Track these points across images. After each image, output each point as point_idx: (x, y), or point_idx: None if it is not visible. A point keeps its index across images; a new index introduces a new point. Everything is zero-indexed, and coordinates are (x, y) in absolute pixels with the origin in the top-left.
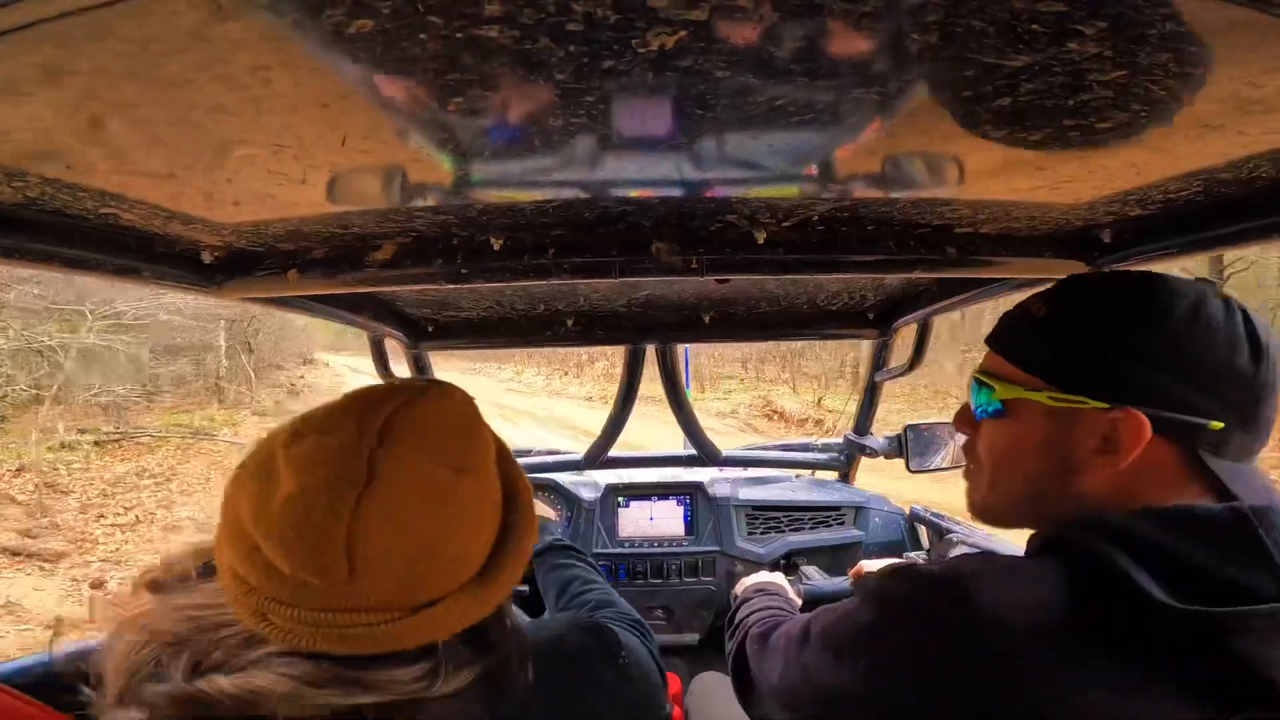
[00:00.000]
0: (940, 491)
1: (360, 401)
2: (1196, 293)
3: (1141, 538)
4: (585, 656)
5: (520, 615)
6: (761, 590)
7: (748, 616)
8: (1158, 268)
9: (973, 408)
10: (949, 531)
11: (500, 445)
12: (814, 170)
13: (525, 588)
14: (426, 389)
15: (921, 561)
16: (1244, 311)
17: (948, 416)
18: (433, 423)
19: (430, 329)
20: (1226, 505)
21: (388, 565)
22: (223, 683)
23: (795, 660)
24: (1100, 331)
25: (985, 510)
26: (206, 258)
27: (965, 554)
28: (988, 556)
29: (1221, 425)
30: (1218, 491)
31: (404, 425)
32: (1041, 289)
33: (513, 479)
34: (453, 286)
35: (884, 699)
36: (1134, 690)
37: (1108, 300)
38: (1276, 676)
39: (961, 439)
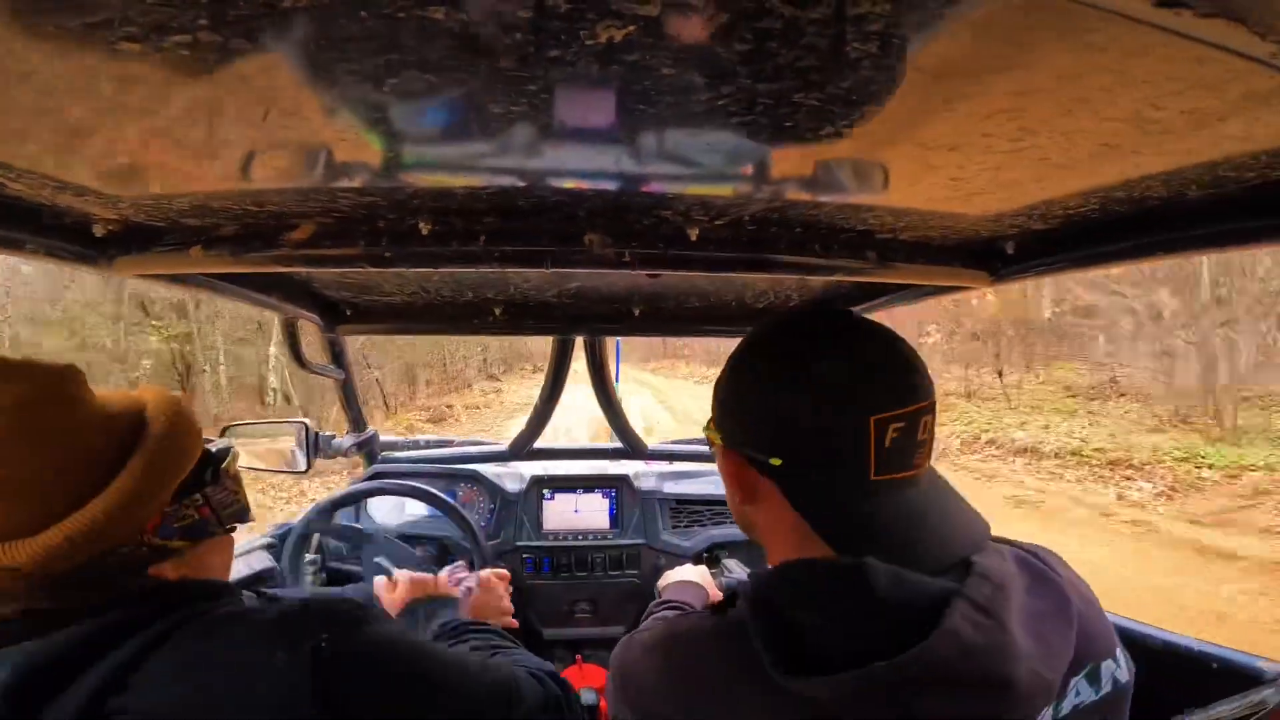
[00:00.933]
0: None
1: None
2: (783, 339)
3: (761, 595)
4: (267, 632)
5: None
6: (665, 603)
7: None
8: (1056, 280)
9: None
10: None
11: (136, 436)
12: (748, 170)
13: None
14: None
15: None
16: (803, 352)
17: None
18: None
19: (349, 312)
20: (823, 560)
21: None
22: None
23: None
24: (730, 371)
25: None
26: (98, 231)
27: (671, 617)
28: (690, 621)
29: (780, 461)
30: (815, 528)
31: None
32: None
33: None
34: (376, 270)
35: None
36: None
37: (750, 342)
38: None
39: None
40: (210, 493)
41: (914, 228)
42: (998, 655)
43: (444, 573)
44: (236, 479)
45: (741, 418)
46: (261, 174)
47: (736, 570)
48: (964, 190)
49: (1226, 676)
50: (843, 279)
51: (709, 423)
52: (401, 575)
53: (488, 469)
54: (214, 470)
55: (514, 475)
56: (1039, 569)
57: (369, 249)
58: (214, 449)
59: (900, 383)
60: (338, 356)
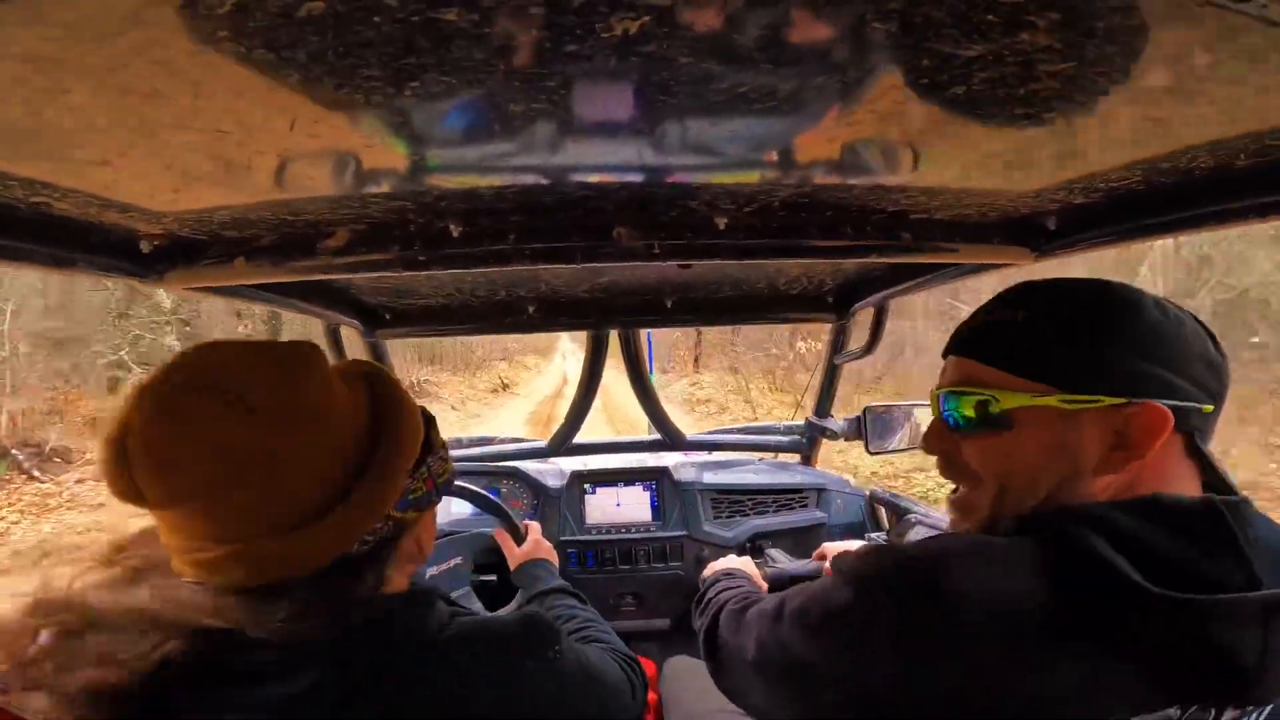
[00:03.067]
0: None
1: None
2: (1147, 293)
3: (1117, 525)
4: (510, 641)
5: (477, 605)
6: (729, 574)
7: (719, 594)
8: (1096, 255)
9: (950, 421)
10: (908, 512)
11: (379, 394)
12: (774, 157)
13: (493, 577)
14: (233, 340)
15: (895, 541)
16: (1180, 307)
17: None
18: (214, 364)
19: (387, 316)
20: (1201, 497)
21: (174, 494)
22: (98, 595)
23: (770, 634)
24: (1094, 329)
25: (989, 530)
26: (145, 247)
27: (941, 534)
28: (964, 538)
29: (1210, 408)
30: (1207, 476)
31: (181, 367)
32: (998, 295)
33: (383, 434)
34: (410, 273)
35: (857, 677)
36: (1107, 672)
37: (1085, 301)
38: (1246, 663)
39: (920, 418)
40: (431, 462)
41: (949, 206)
42: None
43: (533, 530)
44: (445, 445)
45: (1174, 364)
46: (293, 184)
47: (781, 560)
48: (1000, 166)
49: None
50: (877, 260)
51: (1049, 396)
52: (533, 529)
53: (528, 466)
54: (430, 437)
55: (554, 471)
56: None
57: (402, 253)
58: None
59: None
60: (379, 360)
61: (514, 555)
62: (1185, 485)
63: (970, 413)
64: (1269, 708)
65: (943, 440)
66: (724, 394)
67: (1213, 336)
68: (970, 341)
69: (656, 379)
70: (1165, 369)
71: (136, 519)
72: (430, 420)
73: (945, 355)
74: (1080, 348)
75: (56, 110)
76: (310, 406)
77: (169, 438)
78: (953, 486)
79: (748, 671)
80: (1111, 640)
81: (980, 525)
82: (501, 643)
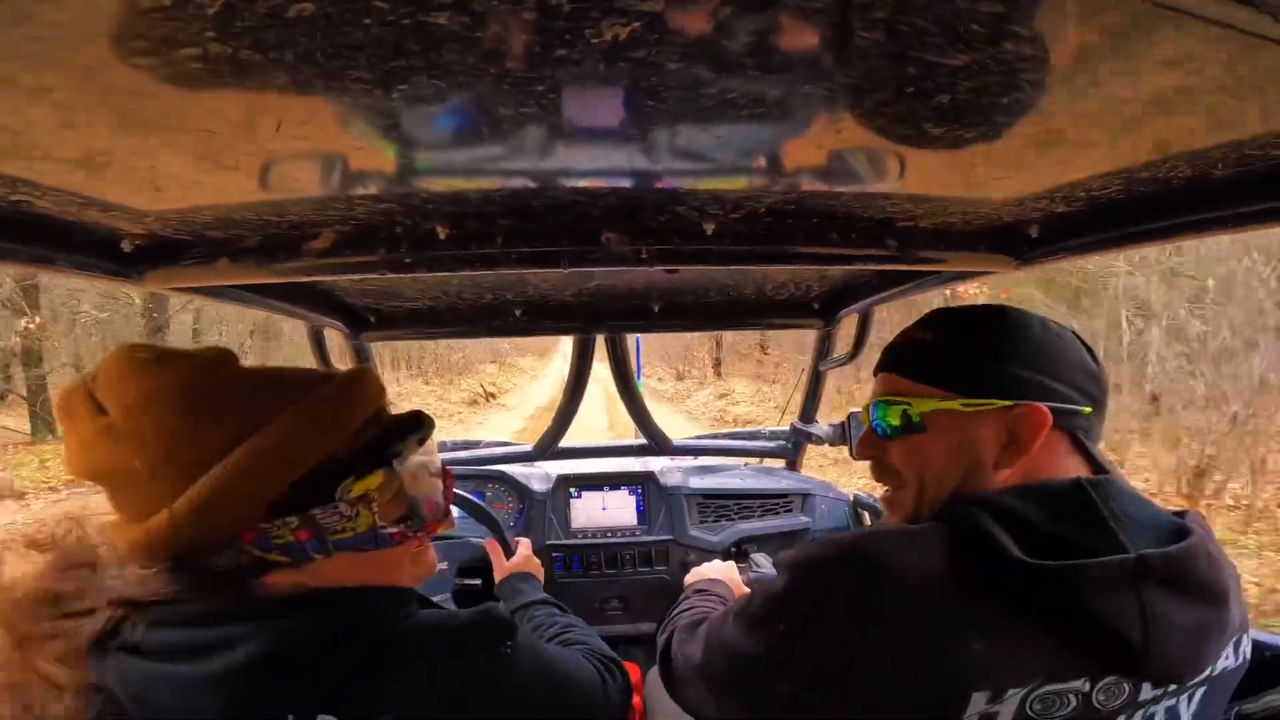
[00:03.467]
0: None
1: None
2: (1034, 315)
3: (1003, 507)
4: (460, 634)
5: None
6: (701, 590)
7: (680, 613)
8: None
9: (878, 429)
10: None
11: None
12: (762, 163)
13: (477, 581)
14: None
15: None
16: (1063, 326)
17: None
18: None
19: (372, 319)
20: (1070, 478)
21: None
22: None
23: (717, 639)
24: (987, 345)
25: (914, 517)
26: (126, 246)
27: (868, 525)
28: (888, 525)
29: (1089, 410)
30: (1093, 468)
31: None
32: (914, 323)
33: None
34: (396, 276)
35: (811, 660)
36: (1009, 641)
37: (982, 323)
38: (1127, 631)
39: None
40: (321, 515)
41: (934, 214)
42: (1225, 572)
43: (524, 545)
44: (365, 501)
45: (1055, 372)
46: (278, 184)
47: (764, 564)
48: (984, 175)
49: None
50: (863, 268)
51: (937, 399)
52: (523, 545)
53: (514, 469)
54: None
55: (540, 475)
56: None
57: (388, 255)
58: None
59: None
60: (364, 363)
61: (501, 568)
62: (1074, 475)
63: (894, 420)
64: (1199, 693)
65: (872, 447)
66: (762, 407)
67: (1090, 350)
68: (892, 358)
69: (671, 387)
70: (1046, 376)
71: None
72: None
73: (875, 372)
74: (976, 359)
75: (40, 109)
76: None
77: (65, 433)
78: (884, 488)
79: (698, 680)
80: (1004, 610)
81: (906, 519)
82: (452, 635)
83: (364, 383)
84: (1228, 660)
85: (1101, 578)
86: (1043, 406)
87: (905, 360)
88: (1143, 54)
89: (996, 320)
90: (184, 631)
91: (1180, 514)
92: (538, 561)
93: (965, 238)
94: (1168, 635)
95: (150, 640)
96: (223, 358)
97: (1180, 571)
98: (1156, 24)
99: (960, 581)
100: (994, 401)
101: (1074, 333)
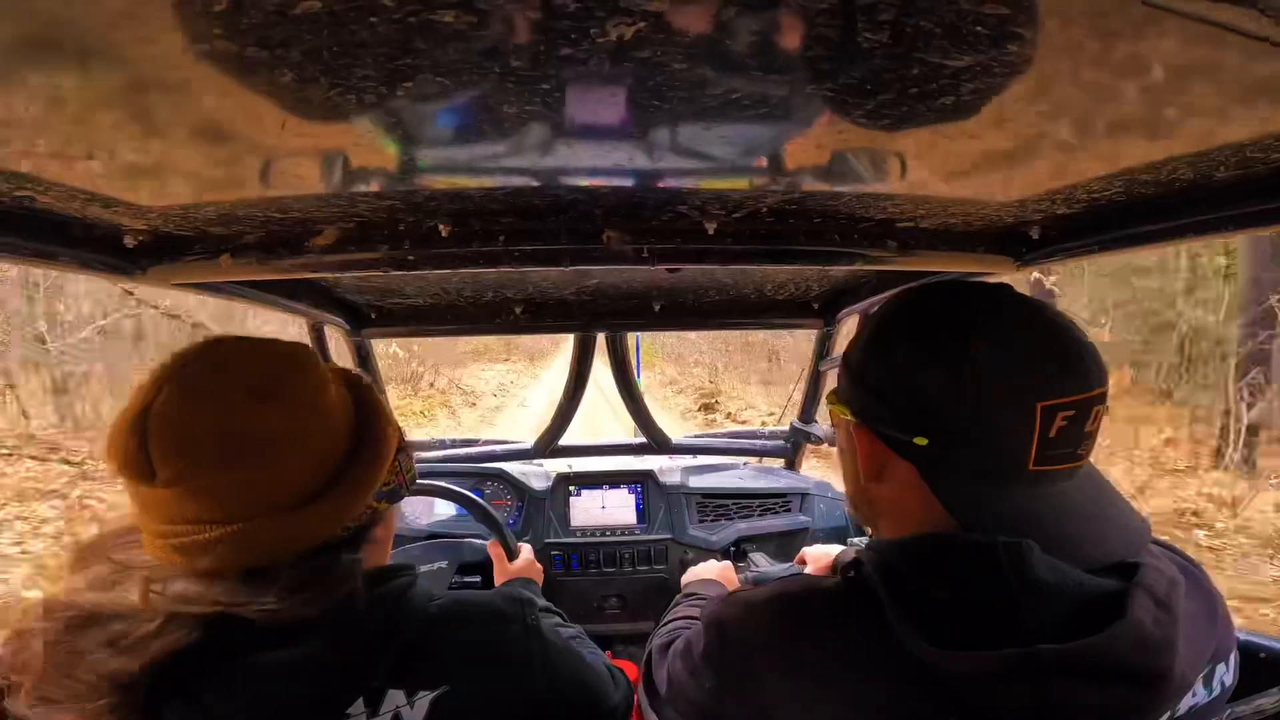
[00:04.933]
0: None
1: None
2: (925, 311)
3: (899, 568)
4: (491, 608)
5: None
6: (691, 595)
7: (662, 626)
8: (1081, 264)
9: None
10: None
11: (361, 397)
12: (764, 163)
13: (477, 578)
14: (241, 336)
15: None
16: (972, 329)
17: None
18: (229, 355)
19: (373, 315)
20: (974, 539)
21: (187, 473)
22: (92, 597)
23: (675, 672)
24: (863, 347)
25: (852, 515)
26: (129, 241)
27: (790, 577)
28: (801, 582)
29: (926, 441)
30: (954, 512)
31: (200, 355)
32: (861, 305)
33: (367, 429)
34: (398, 273)
35: (724, 714)
36: (907, 715)
37: (881, 319)
38: (1011, 716)
39: None
40: (402, 460)
41: (935, 215)
42: (1167, 651)
43: (525, 550)
44: (411, 446)
45: (882, 393)
46: (282, 181)
47: (763, 564)
48: (985, 176)
49: (1274, 667)
50: (864, 268)
51: (831, 394)
52: (525, 550)
53: (513, 467)
54: (402, 437)
55: (539, 473)
56: (1193, 570)
57: (391, 252)
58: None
59: (1074, 366)
60: (364, 359)
61: (504, 571)
62: (925, 516)
63: None
64: None
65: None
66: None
67: (963, 375)
68: None
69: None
70: (882, 395)
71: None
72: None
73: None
74: (849, 361)
75: (44, 104)
76: (311, 398)
77: (189, 416)
78: None
79: (664, 708)
80: (889, 691)
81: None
82: (485, 610)
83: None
84: (1195, 699)
85: (989, 673)
86: (864, 427)
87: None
88: (1143, 56)
89: (891, 318)
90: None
91: (1131, 568)
92: (539, 567)
93: (966, 239)
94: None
95: (230, 641)
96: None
97: (1089, 663)
98: (1157, 26)
99: (849, 658)
100: (846, 412)
101: (954, 334)
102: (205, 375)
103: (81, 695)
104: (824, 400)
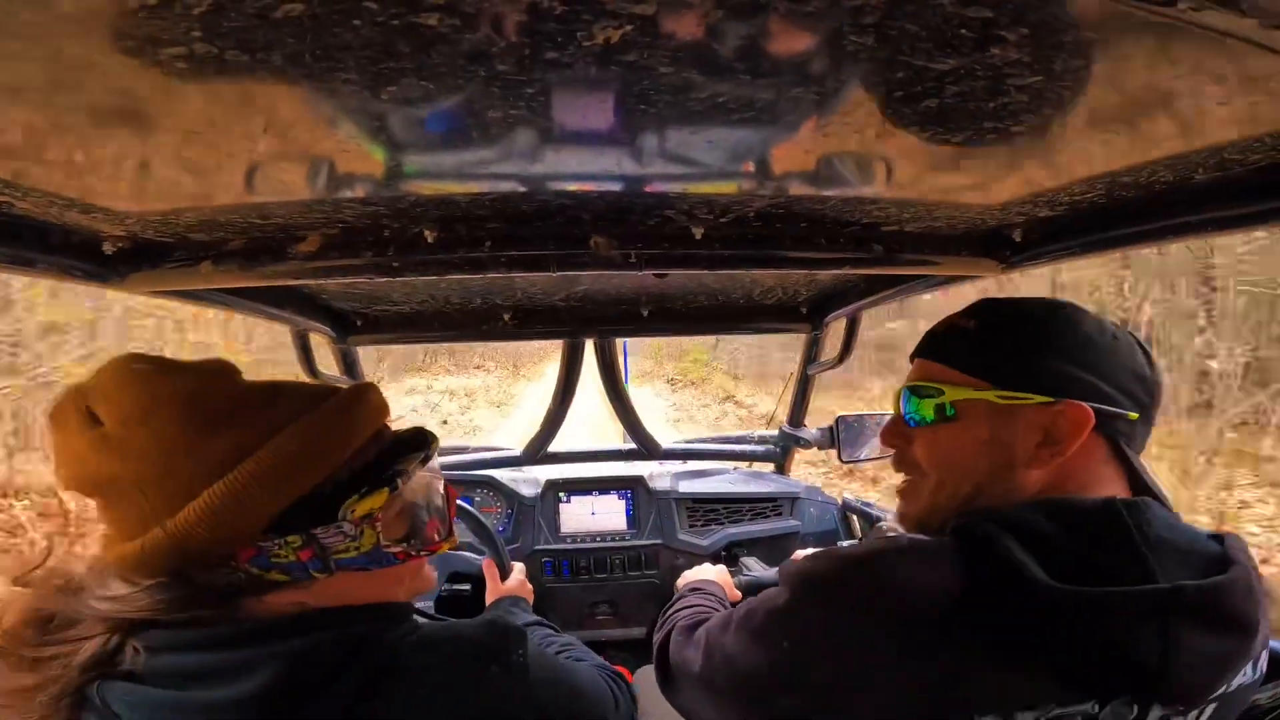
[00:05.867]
0: None
1: None
2: (1090, 312)
3: (1028, 525)
4: (471, 645)
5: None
6: (696, 590)
7: (677, 612)
8: (1062, 267)
9: (907, 418)
10: (879, 520)
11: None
12: (751, 167)
13: (466, 586)
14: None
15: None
16: (1121, 326)
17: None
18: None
19: (359, 323)
20: (1102, 498)
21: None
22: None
23: (717, 647)
24: (1033, 337)
25: (927, 518)
26: (108, 248)
27: (879, 536)
28: (899, 538)
29: (1136, 416)
30: (1131, 479)
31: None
32: (960, 310)
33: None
34: (383, 280)
35: (804, 679)
36: (1021, 667)
37: (1029, 314)
38: (1145, 658)
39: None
40: (322, 535)
41: (919, 218)
42: (1261, 604)
43: (518, 570)
44: (369, 520)
45: (1103, 372)
46: (264, 187)
47: (755, 568)
48: (969, 179)
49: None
50: (850, 272)
51: (976, 388)
52: (517, 570)
53: (502, 474)
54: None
55: (529, 480)
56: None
57: (376, 259)
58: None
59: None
60: (350, 367)
61: (496, 589)
62: (1108, 486)
63: (925, 408)
64: (1211, 708)
65: (897, 435)
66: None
67: (1148, 355)
68: (930, 345)
69: None
70: (1093, 375)
71: None
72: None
73: (911, 358)
74: (1018, 351)
75: (22, 109)
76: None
77: (55, 444)
78: (903, 477)
79: (696, 686)
80: (1018, 636)
81: (921, 512)
82: (462, 647)
83: (367, 399)
84: (1244, 677)
85: (1128, 608)
86: (1085, 406)
87: (944, 346)
88: (1124, 60)
89: (1046, 313)
90: (190, 656)
91: (1219, 538)
92: (530, 587)
93: (950, 242)
94: (1188, 665)
95: (154, 665)
96: (224, 370)
97: (1214, 603)
98: (1138, 30)
99: (973, 603)
100: (1033, 396)
101: (1132, 335)
102: (63, 403)
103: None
104: (956, 392)
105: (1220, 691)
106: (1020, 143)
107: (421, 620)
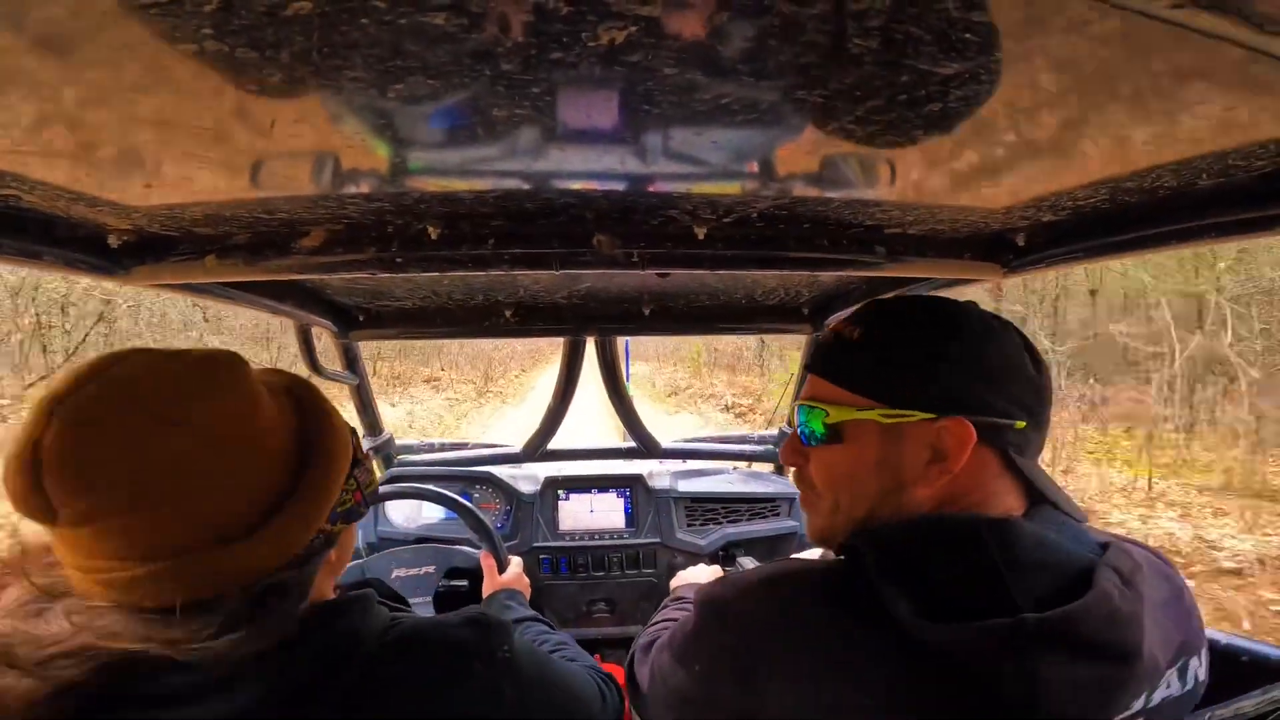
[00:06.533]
0: None
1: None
2: (977, 311)
3: (902, 548)
4: (455, 641)
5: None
6: (680, 599)
7: (650, 626)
8: (1064, 271)
9: (801, 435)
10: None
11: (306, 407)
12: (755, 168)
13: (464, 583)
14: (148, 348)
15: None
16: (1014, 326)
17: None
18: (129, 374)
19: (361, 318)
20: (970, 516)
21: (92, 512)
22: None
23: (657, 666)
24: (914, 348)
25: (827, 535)
26: (113, 242)
27: (781, 559)
28: (797, 563)
29: (1024, 424)
30: (1029, 489)
31: (95, 375)
32: (847, 315)
33: (313, 447)
34: (386, 275)
35: (715, 699)
36: (899, 706)
37: (912, 320)
38: (1006, 691)
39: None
40: (359, 474)
41: (923, 221)
42: (1135, 626)
43: (515, 564)
44: (368, 456)
45: (988, 381)
46: (270, 182)
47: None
48: (972, 183)
49: (1255, 671)
50: (852, 274)
51: (859, 407)
52: (515, 563)
53: (502, 471)
54: (358, 448)
55: (528, 477)
56: (1158, 563)
57: (379, 254)
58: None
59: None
60: (352, 362)
61: (493, 581)
62: (1003, 499)
63: (814, 426)
64: None
65: (796, 454)
66: None
67: (1032, 352)
68: (817, 359)
69: None
70: (979, 385)
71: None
72: (353, 430)
73: (803, 370)
74: (901, 366)
75: (32, 104)
76: (236, 418)
77: (87, 452)
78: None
79: (649, 703)
80: (891, 665)
81: (820, 531)
82: (446, 643)
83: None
84: (1169, 689)
85: (983, 642)
86: (967, 421)
87: (828, 361)
88: (1129, 65)
89: (929, 318)
90: (187, 675)
91: (1103, 546)
92: (527, 581)
93: (953, 245)
94: (1060, 698)
95: (146, 689)
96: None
97: (1068, 632)
98: (1144, 36)
99: (855, 634)
100: (915, 414)
101: (1017, 330)
102: (101, 400)
103: None
104: (841, 412)
105: (1129, 713)
106: (1024, 147)
107: (399, 614)
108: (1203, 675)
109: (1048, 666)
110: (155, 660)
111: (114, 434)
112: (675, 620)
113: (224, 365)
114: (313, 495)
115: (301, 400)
